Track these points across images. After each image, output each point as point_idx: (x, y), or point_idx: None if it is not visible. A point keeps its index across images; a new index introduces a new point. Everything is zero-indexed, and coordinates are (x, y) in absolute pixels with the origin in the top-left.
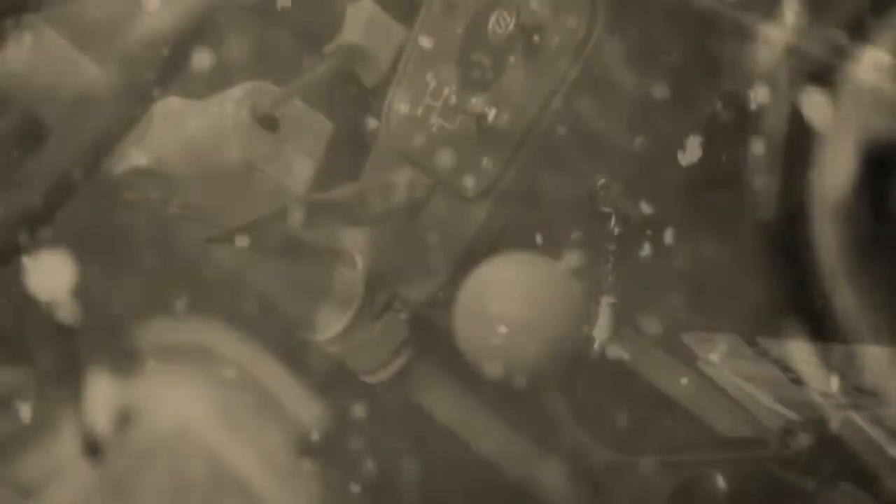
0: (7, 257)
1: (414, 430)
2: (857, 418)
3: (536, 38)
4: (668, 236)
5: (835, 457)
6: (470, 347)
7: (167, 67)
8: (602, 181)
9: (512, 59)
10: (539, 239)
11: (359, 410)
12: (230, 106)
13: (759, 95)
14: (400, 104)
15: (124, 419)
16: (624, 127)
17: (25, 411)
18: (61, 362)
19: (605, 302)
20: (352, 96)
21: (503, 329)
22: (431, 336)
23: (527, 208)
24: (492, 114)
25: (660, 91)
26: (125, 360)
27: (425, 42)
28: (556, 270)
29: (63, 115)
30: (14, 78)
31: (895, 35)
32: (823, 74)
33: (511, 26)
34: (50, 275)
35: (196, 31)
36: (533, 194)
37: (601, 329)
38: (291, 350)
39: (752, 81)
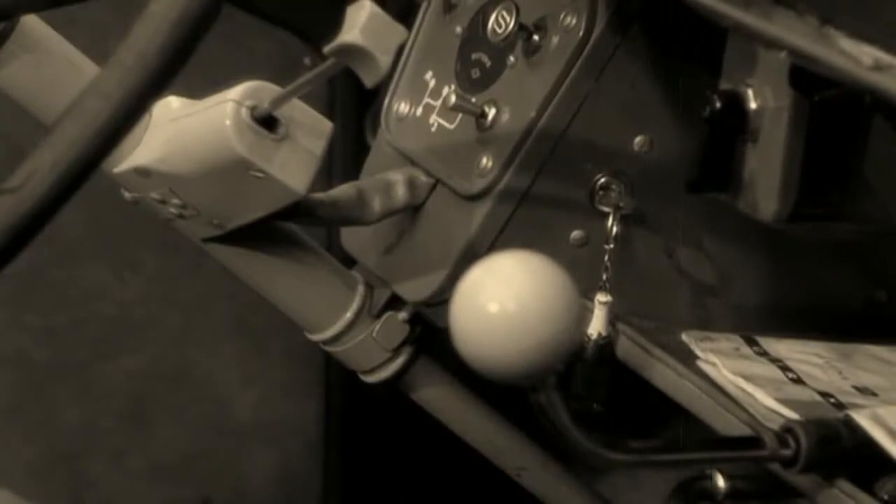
0: (5, 260)
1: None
2: (858, 418)
3: (536, 37)
4: (668, 236)
5: (835, 457)
6: (466, 346)
7: (166, 66)
8: (602, 181)
9: (512, 58)
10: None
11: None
12: (230, 105)
13: (758, 95)
14: (400, 104)
15: None
16: (624, 126)
17: None
18: None
19: (603, 301)
20: (352, 96)
21: (499, 327)
22: (431, 336)
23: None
24: (491, 113)
25: (660, 91)
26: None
27: (425, 41)
28: (552, 268)
29: (62, 114)
30: (13, 77)
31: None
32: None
33: (511, 26)
34: None
35: (191, 42)
36: (533, 194)
37: (599, 327)
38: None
39: (751, 81)
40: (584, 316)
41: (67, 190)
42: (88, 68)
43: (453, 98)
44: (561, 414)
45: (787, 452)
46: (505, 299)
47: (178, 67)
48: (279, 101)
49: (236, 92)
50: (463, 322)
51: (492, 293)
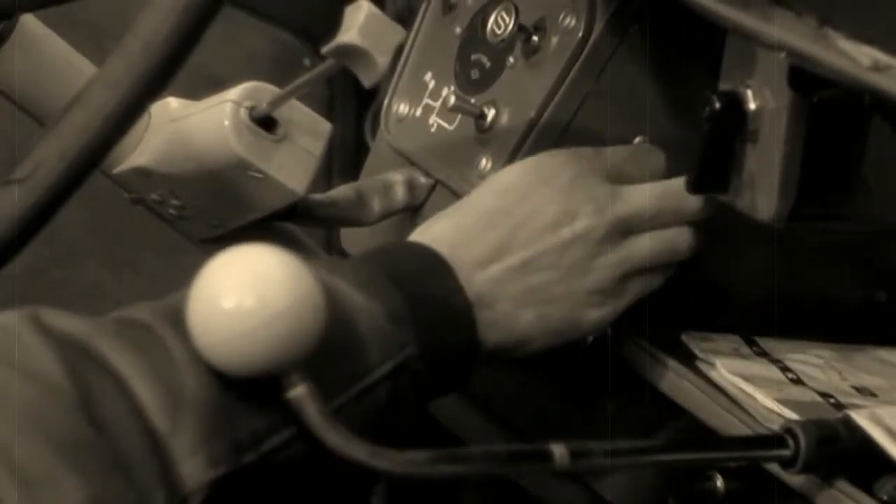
0: (6, 256)
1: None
2: (857, 418)
3: (535, 38)
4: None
5: (834, 457)
6: (199, 339)
7: (172, 56)
8: None
9: (511, 59)
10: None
11: None
12: (228, 106)
13: (757, 96)
14: (399, 105)
15: None
16: (624, 127)
17: None
18: None
19: None
20: (351, 97)
21: (231, 321)
22: None
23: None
24: (491, 114)
25: (659, 91)
26: None
27: (424, 42)
28: (285, 259)
29: (69, 104)
30: (13, 77)
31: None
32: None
33: (511, 26)
34: None
35: (196, 31)
36: None
37: None
38: None
39: (751, 82)
40: (323, 307)
41: (75, 180)
42: (87, 69)
43: (453, 99)
44: (312, 414)
45: (786, 453)
46: (240, 294)
47: (183, 57)
48: (278, 102)
49: (235, 92)
50: (195, 313)
51: (221, 288)
